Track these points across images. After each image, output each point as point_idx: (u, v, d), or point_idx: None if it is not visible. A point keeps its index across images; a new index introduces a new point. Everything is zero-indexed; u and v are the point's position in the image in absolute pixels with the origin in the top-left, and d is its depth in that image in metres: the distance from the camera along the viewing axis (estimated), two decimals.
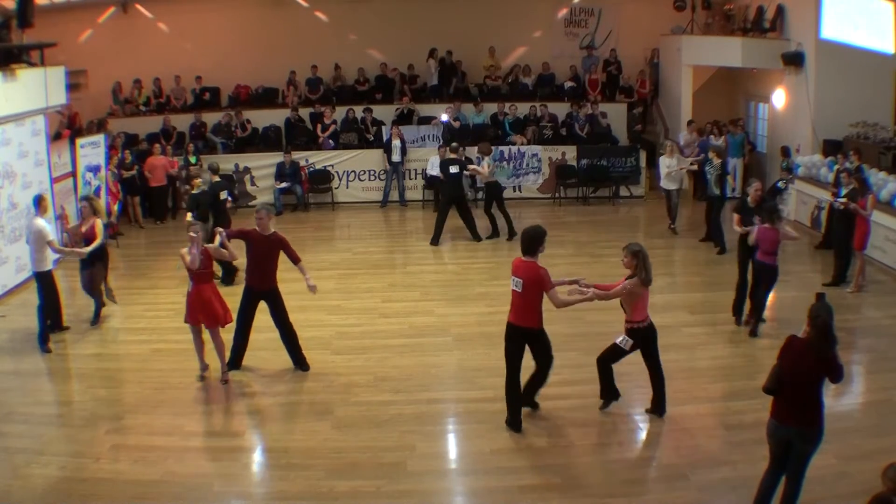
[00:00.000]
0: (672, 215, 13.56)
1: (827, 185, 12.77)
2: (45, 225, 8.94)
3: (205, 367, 7.98)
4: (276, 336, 9.07)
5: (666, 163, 13.25)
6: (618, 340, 6.87)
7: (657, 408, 7.07)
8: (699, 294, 10.43)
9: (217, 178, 11.54)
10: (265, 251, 7.96)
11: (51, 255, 9.10)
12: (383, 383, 7.79)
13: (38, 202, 9.15)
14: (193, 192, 11.44)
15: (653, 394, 7.07)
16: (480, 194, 14.88)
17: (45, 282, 8.93)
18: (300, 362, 8.19)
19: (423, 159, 16.00)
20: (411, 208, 15.90)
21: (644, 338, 6.83)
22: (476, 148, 14.20)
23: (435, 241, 13.06)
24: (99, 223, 9.36)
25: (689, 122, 16.16)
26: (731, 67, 16.83)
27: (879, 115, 13.59)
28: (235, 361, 8.13)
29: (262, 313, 9.81)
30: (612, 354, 6.96)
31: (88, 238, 9.27)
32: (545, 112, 16.92)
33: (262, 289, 8.05)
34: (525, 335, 6.69)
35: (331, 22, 18.06)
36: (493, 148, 14.37)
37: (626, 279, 6.74)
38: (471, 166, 13.45)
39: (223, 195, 11.37)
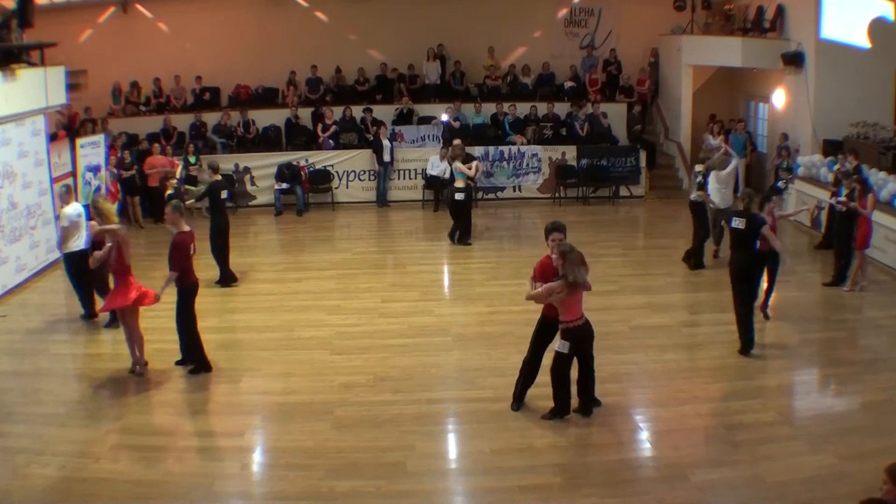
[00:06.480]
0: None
1: (827, 185, 12.76)
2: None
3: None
4: (275, 336, 9.16)
5: None
6: (557, 347, 6.78)
7: (585, 408, 6.99)
8: (699, 294, 10.42)
9: (217, 177, 11.33)
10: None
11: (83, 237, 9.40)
12: (383, 383, 7.78)
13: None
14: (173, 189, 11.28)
15: (579, 395, 6.98)
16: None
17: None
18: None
19: (422, 159, 15.98)
20: (411, 208, 15.87)
21: (577, 337, 6.71)
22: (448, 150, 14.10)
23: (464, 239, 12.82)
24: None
25: (714, 115, 16.12)
26: (731, 67, 16.82)
27: (879, 115, 13.58)
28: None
29: (263, 313, 9.88)
30: (559, 364, 6.82)
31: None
32: (550, 111, 16.91)
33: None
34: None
35: (331, 22, 18.05)
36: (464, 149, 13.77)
37: (554, 279, 6.64)
38: (458, 165, 12.91)
39: (223, 194, 11.31)
